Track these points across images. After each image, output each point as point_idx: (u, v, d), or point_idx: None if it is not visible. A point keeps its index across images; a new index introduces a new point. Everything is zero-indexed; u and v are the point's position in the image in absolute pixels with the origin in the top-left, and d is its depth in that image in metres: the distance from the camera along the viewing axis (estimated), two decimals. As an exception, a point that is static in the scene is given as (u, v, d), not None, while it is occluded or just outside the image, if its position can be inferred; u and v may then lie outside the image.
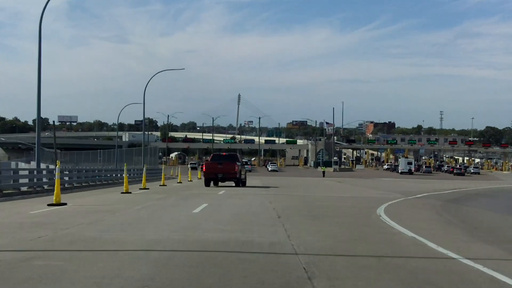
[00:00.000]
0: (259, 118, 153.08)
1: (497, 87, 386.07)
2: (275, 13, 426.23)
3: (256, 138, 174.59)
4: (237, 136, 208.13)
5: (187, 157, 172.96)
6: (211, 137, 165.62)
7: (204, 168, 32.98)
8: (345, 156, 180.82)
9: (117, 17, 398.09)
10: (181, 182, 45.06)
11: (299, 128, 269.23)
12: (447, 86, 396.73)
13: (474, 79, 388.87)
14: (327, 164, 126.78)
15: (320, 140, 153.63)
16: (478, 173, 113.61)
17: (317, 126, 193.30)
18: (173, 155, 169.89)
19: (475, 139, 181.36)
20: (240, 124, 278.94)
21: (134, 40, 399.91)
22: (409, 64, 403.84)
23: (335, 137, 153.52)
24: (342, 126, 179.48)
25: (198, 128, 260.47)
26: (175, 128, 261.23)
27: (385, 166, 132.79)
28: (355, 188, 37.29)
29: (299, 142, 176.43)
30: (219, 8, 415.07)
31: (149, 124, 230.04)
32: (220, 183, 34.16)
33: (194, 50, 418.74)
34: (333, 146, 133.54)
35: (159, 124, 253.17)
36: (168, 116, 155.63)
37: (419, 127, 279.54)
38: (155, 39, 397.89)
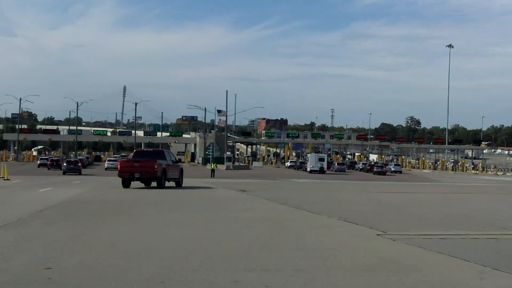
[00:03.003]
0: (135, 104, 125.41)
1: (385, 87, 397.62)
2: (168, 10, 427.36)
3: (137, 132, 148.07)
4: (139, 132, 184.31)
5: (52, 152, 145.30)
6: (87, 129, 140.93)
7: (119, 167, 29.43)
8: (238, 153, 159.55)
9: (3, 9, 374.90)
10: None
11: (189, 123, 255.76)
12: (338, 86, 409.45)
13: (363, 79, 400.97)
14: (219, 160, 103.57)
15: (210, 132, 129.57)
16: (400, 172, 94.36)
17: (208, 121, 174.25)
18: (35, 149, 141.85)
19: (371, 136, 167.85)
20: (129, 120, 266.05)
21: (20, 33, 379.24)
22: (300, 64, 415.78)
23: (225, 133, 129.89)
24: (235, 121, 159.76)
25: (84, 124, 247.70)
26: (57, 123, 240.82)
27: (288, 164, 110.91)
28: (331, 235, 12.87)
29: (185, 135, 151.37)
30: (111, 2, 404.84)
31: (28, 118, 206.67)
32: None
33: (83, 44, 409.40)
34: (226, 139, 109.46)
35: (39, 118, 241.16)
36: (21, 99, 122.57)
37: (312, 124, 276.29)
38: (43, 33, 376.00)
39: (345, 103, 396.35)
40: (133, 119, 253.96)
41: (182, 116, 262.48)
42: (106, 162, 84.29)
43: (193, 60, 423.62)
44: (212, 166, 65.08)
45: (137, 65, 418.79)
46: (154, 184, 29.41)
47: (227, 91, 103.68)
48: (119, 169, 29.26)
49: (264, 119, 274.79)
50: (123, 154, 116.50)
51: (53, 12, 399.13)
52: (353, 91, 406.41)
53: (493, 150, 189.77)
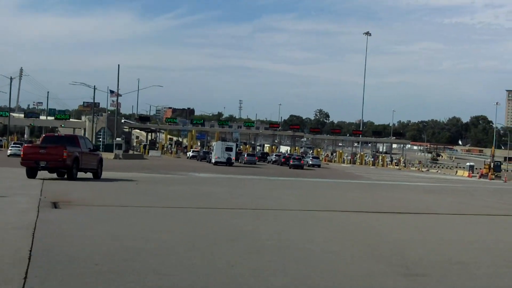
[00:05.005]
0: (10, 78, 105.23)
1: (294, 80, 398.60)
2: None
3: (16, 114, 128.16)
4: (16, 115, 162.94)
5: None
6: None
7: (22, 153, 25.86)
8: (137, 140, 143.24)
9: None
10: None
11: (91, 109, 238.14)
12: (247, 78, 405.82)
13: (272, 72, 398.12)
14: (109, 148, 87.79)
15: (101, 115, 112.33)
16: (319, 166, 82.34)
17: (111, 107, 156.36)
18: None
19: (279, 129, 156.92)
20: (29, 105, 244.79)
21: None
22: (209, 55, 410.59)
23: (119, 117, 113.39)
24: (137, 108, 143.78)
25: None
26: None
27: (190, 154, 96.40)
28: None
29: (74, 120, 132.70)
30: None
31: None
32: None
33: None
34: (116, 122, 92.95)
35: None
36: None
37: (220, 114, 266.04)
38: None
39: (254, 95, 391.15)
40: (33, 104, 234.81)
41: (84, 102, 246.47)
42: None
43: (100, 47, 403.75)
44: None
45: (42, 50, 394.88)
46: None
47: (118, 65, 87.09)
48: (22, 156, 25.66)
49: (170, 108, 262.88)
50: None
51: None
52: (261, 84, 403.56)
53: (402, 145, 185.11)
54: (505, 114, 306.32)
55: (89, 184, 22.52)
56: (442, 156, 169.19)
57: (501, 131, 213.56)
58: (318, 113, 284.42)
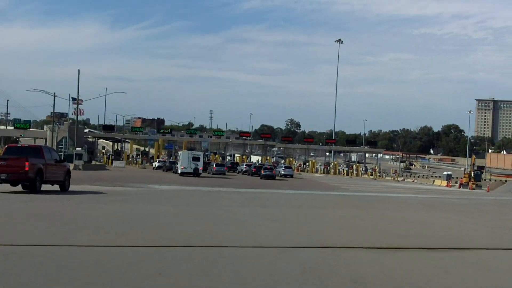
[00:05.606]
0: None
1: (264, 91, 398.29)
2: (43, 4, 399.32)
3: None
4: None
5: None
6: None
7: None
8: (102, 150, 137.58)
9: None
10: None
11: (59, 120, 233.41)
12: (217, 88, 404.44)
13: (242, 83, 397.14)
14: (69, 158, 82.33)
15: (62, 125, 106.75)
16: (292, 176, 78.36)
17: (73, 116, 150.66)
18: None
19: (250, 138, 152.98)
20: None
21: None
22: (178, 65, 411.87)
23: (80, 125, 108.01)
24: (105, 117, 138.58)
25: None
26: None
27: (156, 164, 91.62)
28: None
29: (34, 129, 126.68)
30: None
31: None
32: None
33: None
34: (77, 131, 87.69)
35: None
36: None
37: (190, 124, 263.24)
38: None
39: (224, 105, 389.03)
40: (1, 114, 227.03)
41: (51, 113, 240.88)
42: None
43: (67, 57, 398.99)
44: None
45: (8, 60, 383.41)
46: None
47: (79, 70, 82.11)
48: None
49: (139, 118, 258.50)
50: None
51: None
52: (232, 94, 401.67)
53: (375, 154, 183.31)
54: (475, 123, 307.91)
55: (17, 200, 17.93)
56: (415, 165, 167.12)
57: (472, 140, 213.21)
58: (289, 123, 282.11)
